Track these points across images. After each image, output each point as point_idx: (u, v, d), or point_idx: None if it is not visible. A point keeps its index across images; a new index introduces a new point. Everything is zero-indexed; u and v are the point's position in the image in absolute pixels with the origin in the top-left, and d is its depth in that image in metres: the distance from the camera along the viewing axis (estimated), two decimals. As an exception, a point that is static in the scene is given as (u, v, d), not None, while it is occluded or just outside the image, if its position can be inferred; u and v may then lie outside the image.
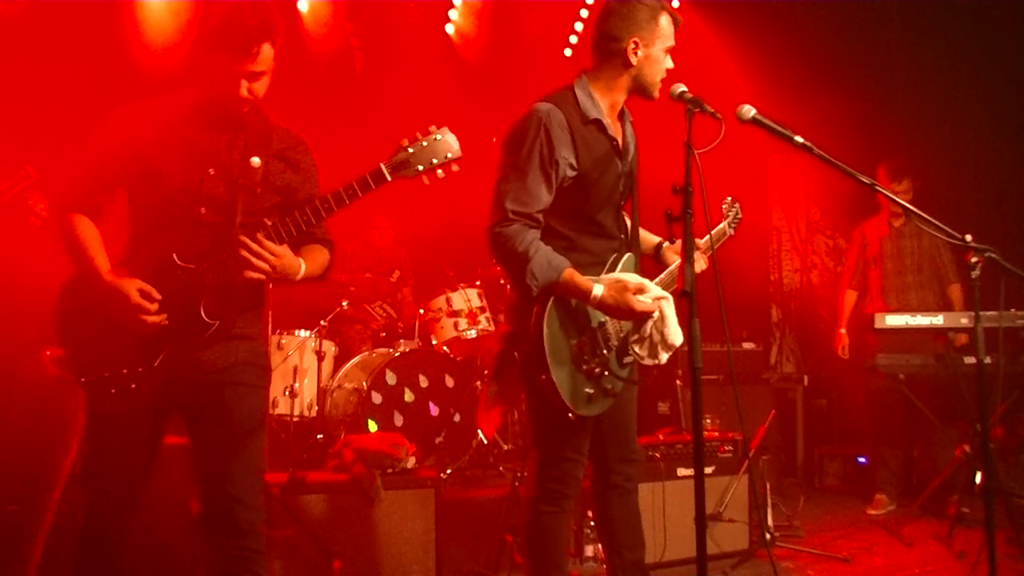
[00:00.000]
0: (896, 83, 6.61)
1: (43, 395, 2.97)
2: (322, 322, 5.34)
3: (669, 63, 2.82)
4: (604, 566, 4.27)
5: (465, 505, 4.30)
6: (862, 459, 6.26)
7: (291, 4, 6.19)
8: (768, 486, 4.69)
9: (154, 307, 2.34)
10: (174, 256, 2.38)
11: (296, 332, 5.36)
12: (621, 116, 2.93)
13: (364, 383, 5.01)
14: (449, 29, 6.83)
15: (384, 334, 5.85)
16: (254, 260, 2.32)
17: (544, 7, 6.97)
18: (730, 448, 4.57)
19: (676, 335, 2.71)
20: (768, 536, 4.44)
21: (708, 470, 4.40)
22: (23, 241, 2.69)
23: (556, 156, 2.66)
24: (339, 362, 5.52)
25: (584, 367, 2.71)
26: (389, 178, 2.39)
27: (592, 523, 4.37)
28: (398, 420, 5.03)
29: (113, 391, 2.37)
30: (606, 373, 2.77)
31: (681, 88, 2.64)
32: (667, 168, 2.65)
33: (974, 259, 3.18)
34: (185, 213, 2.38)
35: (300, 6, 6.24)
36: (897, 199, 2.94)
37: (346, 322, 5.81)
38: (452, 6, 6.76)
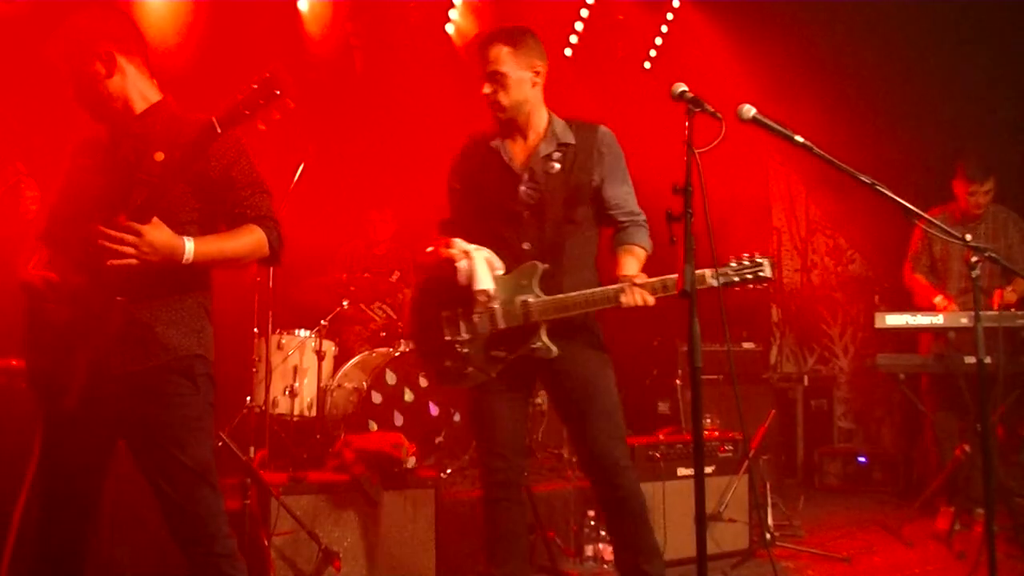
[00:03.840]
0: (897, 82, 6.60)
1: (13, 403, 3.06)
2: (322, 322, 5.33)
3: (485, 89, 3.09)
4: (604, 566, 4.29)
5: (465, 505, 4.29)
6: (862, 459, 6.26)
7: (291, 4, 6.19)
8: (768, 486, 4.69)
9: (51, 293, 2.41)
10: (83, 258, 2.40)
11: (296, 332, 5.36)
12: (549, 134, 3.15)
13: (364, 383, 5.01)
14: (449, 29, 6.82)
15: (384, 334, 5.85)
16: (110, 245, 2.28)
17: (544, 7, 6.96)
18: (730, 448, 4.57)
19: (480, 282, 2.96)
20: (768, 536, 4.44)
21: (708, 470, 4.40)
22: (17, 239, 2.70)
23: (449, 178, 3.29)
24: (339, 362, 5.51)
25: (432, 338, 3.12)
26: (219, 130, 2.30)
27: (592, 523, 4.38)
28: (398, 420, 5.03)
29: (48, 394, 2.42)
30: (463, 351, 3.06)
31: (681, 88, 2.64)
32: (667, 168, 2.66)
33: (974, 259, 3.18)
34: (93, 215, 2.39)
35: (300, 6, 6.24)
36: (898, 199, 2.91)
37: (346, 322, 5.81)
38: (452, 6, 6.76)
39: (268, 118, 2.34)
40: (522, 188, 3.11)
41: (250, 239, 2.51)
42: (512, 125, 3.15)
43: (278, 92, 2.30)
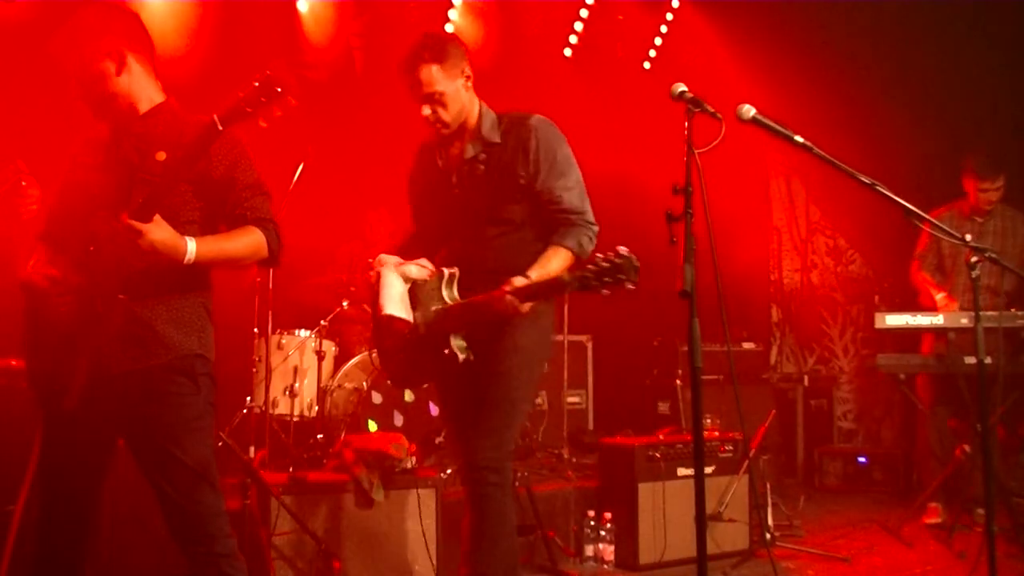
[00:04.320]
0: (897, 82, 6.60)
1: (13, 403, 3.07)
2: (322, 322, 5.33)
3: (425, 111, 3.03)
4: (604, 566, 4.29)
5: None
6: (862, 459, 6.26)
7: (291, 4, 6.19)
8: (768, 486, 4.69)
9: (57, 288, 2.40)
10: (83, 256, 2.41)
11: (296, 332, 5.36)
12: (476, 134, 3.09)
13: (364, 383, 5.01)
14: (449, 29, 6.82)
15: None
16: (113, 242, 2.30)
17: (544, 7, 6.96)
18: (730, 448, 4.57)
19: (384, 305, 2.97)
20: (768, 536, 4.44)
21: (708, 470, 4.40)
22: (17, 239, 2.69)
23: (408, 187, 3.32)
24: (339, 362, 5.51)
25: (381, 344, 3.16)
26: (220, 127, 2.31)
27: (592, 523, 4.38)
28: (398, 420, 5.03)
29: (48, 395, 2.43)
30: (399, 356, 3.08)
31: (681, 88, 2.64)
32: (667, 168, 2.66)
33: (974, 259, 3.18)
34: (93, 214, 2.42)
35: (300, 7, 6.24)
36: (898, 199, 2.91)
37: (346, 322, 5.80)
38: (452, 6, 6.75)
39: (270, 116, 2.35)
40: (453, 191, 3.09)
41: (250, 240, 2.52)
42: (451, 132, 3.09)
43: (279, 89, 2.30)
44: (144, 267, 2.35)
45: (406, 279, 3.05)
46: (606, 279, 2.49)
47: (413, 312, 3.01)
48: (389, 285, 3.00)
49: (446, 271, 2.98)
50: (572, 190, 3.01)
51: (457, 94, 3.00)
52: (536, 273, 2.86)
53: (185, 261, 2.37)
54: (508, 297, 2.75)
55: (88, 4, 2.54)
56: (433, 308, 2.99)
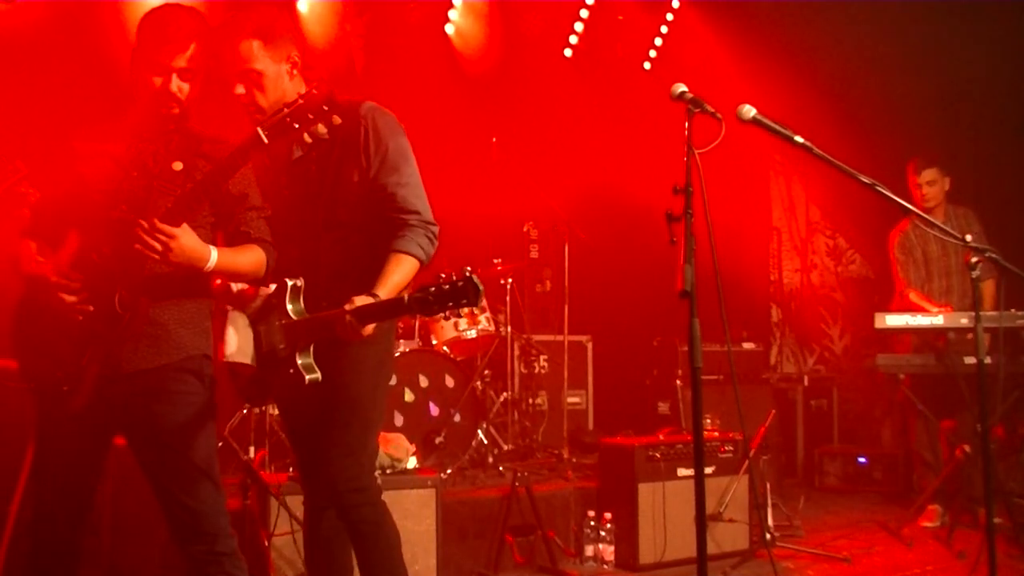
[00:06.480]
0: (896, 83, 6.61)
1: (14, 403, 3.07)
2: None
3: (238, 89, 2.70)
4: (604, 566, 4.30)
5: (465, 505, 4.30)
6: (862, 459, 6.27)
7: (291, 4, 6.19)
8: (768, 486, 4.69)
9: (75, 285, 2.40)
10: (94, 255, 2.43)
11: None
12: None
13: (364, 383, 5.01)
14: (449, 29, 6.82)
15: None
16: (145, 237, 2.30)
17: (544, 7, 6.97)
18: (730, 448, 4.58)
19: (226, 350, 2.71)
20: (768, 536, 4.44)
21: (708, 470, 4.40)
22: (16, 239, 2.69)
23: None
24: (339, 362, 5.51)
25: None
26: (266, 140, 2.35)
27: (592, 523, 4.38)
28: (398, 420, 5.03)
29: (51, 394, 2.43)
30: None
31: (681, 88, 2.64)
32: (667, 168, 2.67)
33: (974, 259, 3.19)
34: (105, 214, 2.44)
35: (300, 7, 6.24)
36: (898, 199, 2.91)
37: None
38: (452, 6, 6.75)
39: (314, 132, 2.39)
40: (283, 193, 2.79)
41: (256, 258, 2.59)
42: None
43: (326, 108, 2.35)
44: (163, 270, 2.40)
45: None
46: (448, 303, 2.29)
47: (257, 326, 2.67)
48: (231, 321, 2.71)
49: (289, 282, 2.62)
50: (407, 186, 2.73)
51: (278, 79, 2.69)
52: (384, 290, 2.58)
53: (206, 269, 2.42)
54: (348, 318, 2.46)
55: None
56: (277, 323, 2.63)
